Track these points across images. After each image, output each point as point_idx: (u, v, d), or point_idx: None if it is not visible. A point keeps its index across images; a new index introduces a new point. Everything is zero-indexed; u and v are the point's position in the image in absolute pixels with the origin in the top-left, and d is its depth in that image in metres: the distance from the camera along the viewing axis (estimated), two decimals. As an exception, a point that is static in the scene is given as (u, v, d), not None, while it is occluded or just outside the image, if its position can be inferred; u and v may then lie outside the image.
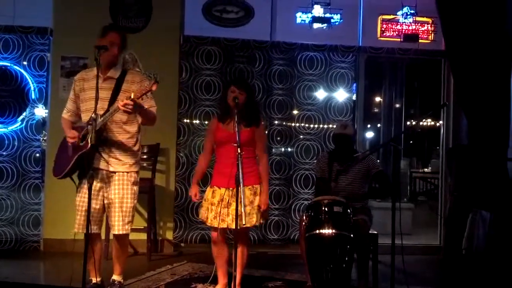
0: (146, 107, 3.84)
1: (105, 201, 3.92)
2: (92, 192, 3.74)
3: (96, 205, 3.87)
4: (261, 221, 4.22)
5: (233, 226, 3.96)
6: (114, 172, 3.91)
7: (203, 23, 6.27)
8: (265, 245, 6.26)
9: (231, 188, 4.04)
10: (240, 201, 3.67)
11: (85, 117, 3.92)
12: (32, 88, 5.98)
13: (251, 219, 4.04)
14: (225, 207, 4.06)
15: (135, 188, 4.01)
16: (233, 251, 3.90)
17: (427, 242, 6.86)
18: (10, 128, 5.97)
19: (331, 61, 6.48)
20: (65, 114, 4.11)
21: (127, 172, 3.95)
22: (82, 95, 3.96)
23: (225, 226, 4.07)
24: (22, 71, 5.98)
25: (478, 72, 5.61)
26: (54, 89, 5.91)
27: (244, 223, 3.65)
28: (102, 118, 3.74)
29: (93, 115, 3.63)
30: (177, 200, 6.12)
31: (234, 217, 3.95)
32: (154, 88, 3.63)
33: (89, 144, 3.69)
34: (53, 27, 5.93)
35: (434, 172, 13.60)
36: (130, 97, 3.63)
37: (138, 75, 4.09)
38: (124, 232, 3.92)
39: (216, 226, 4.11)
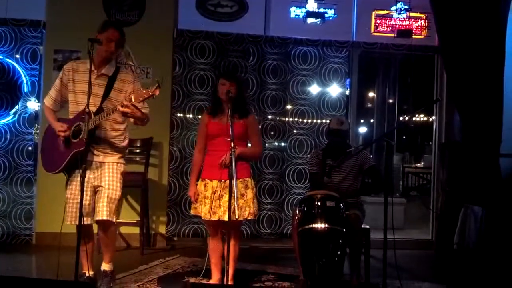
0: (144, 111, 3.83)
1: (96, 189, 3.92)
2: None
3: (87, 196, 3.86)
4: (253, 217, 4.21)
5: (225, 218, 3.99)
6: (104, 163, 3.92)
7: (197, 17, 6.25)
8: (258, 239, 6.28)
9: (223, 180, 4.07)
10: (233, 195, 3.67)
11: (72, 109, 3.92)
12: (24, 81, 5.96)
13: (243, 212, 4.06)
14: (216, 199, 4.07)
15: (122, 179, 4.00)
16: (226, 244, 3.92)
17: (419, 237, 6.91)
18: (2, 121, 5.95)
19: (325, 56, 6.48)
20: (48, 103, 4.07)
21: (117, 163, 3.97)
22: (71, 86, 3.93)
23: (216, 218, 4.07)
24: (15, 64, 5.95)
25: (471, 68, 5.63)
26: (46, 82, 5.86)
27: (236, 217, 3.66)
28: (97, 117, 3.74)
29: (86, 109, 3.61)
30: (170, 194, 6.11)
31: (226, 209, 3.97)
32: (157, 93, 3.61)
33: (85, 144, 3.68)
34: (46, 20, 5.90)
35: (426, 167, 13.67)
36: (131, 99, 3.63)
37: (131, 75, 4.07)
38: (110, 218, 3.87)
39: (208, 219, 4.12)
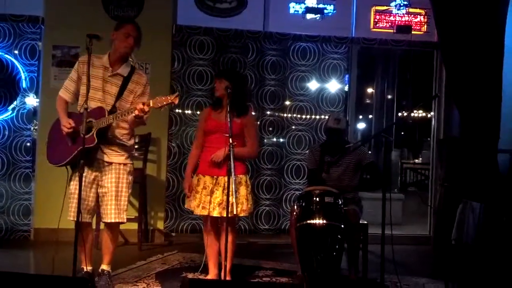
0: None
1: (100, 190, 3.93)
2: (87, 181, 3.82)
3: (90, 193, 3.89)
4: (245, 214, 4.21)
5: (214, 214, 4.03)
6: (111, 163, 3.92)
7: (196, 13, 6.24)
8: (256, 234, 6.30)
9: (214, 176, 4.10)
10: (231, 192, 3.68)
11: (82, 102, 3.90)
12: (23, 77, 5.95)
13: (235, 209, 4.04)
14: (207, 195, 4.09)
15: (130, 178, 4.03)
16: (222, 240, 3.93)
17: (417, 232, 6.92)
18: (0, 117, 5.94)
19: (324, 52, 6.49)
20: (64, 94, 4.01)
21: (124, 164, 3.97)
22: (84, 79, 3.88)
23: (206, 213, 4.09)
24: (13, 59, 5.94)
25: (470, 64, 5.62)
26: (45, 78, 5.88)
27: (234, 212, 3.67)
28: (112, 116, 3.76)
29: (85, 106, 3.61)
30: (168, 190, 6.12)
31: (215, 205, 4.00)
32: (176, 102, 3.67)
33: (96, 141, 3.71)
34: (45, 15, 5.89)
35: (424, 163, 13.64)
36: (149, 104, 3.66)
37: (144, 78, 4.07)
38: (120, 220, 3.92)
39: (198, 213, 4.16)
